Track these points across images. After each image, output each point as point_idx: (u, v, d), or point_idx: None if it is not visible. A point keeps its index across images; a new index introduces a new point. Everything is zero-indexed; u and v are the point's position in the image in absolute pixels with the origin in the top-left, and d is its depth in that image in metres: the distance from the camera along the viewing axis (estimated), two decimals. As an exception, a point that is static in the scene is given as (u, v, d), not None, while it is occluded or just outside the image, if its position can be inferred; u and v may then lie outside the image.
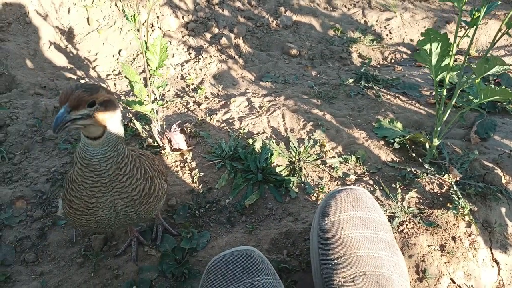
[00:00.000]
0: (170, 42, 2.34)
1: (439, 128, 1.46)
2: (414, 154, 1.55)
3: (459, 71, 1.34)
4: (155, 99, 1.56)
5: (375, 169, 1.53)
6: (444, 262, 1.25)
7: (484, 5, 1.14)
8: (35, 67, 2.15)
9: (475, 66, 1.21)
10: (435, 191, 1.43)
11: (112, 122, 0.85)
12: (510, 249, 1.32)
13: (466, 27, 1.24)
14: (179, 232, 1.32)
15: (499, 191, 1.43)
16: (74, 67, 2.21)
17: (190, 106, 1.90)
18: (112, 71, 2.23)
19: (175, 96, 2.02)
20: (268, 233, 1.31)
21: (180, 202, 1.42)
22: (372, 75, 2.03)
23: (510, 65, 1.37)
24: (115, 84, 2.11)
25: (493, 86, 1.30)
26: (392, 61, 2.35)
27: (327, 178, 1.51)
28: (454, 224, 1.32)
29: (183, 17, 2.47)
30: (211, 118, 1.78)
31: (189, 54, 2.32)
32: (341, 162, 1.56)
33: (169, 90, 2.05)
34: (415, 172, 1.48)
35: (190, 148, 1.61)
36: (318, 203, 1.42)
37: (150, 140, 1.63)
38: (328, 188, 1.47)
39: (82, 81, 2.10)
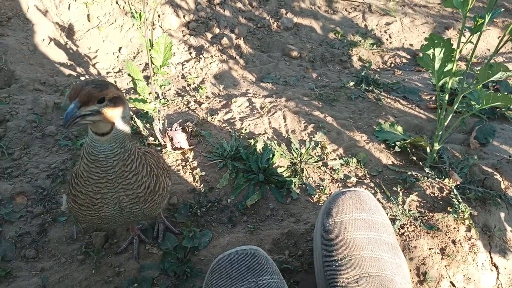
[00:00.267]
0: (171, 41, 2.33)
1: (440, 133, 1.47)
2: (414, 158, 1.56)
3: (461, 77, 1.36)
4: (157, 97, 1.56)
5: (376, 172, 1.53)
6: (444, 265, 1.26)
7: (489, 12, 1.15)
8: (34, 63, 2.13)
9: (478, 72, 1.22)
10: (436, 194, 1.44)
11: (121, 118, 0.85)
12: (509, 253, 1.33)
13: (465, 33, 1.25)
14: (180, 231, 1.31)
15: (499, 196, 1.44)
16: (74, 64, 2.20)
17: (191, 105, 1.89)
18: (112, 69, 2.22)
19: (176, 95, 2.02)
20: (270, 234, 1.32)
21: (182, 201, 1.42)
22: (372, 79, 2.04)
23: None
24: (115, 81, 2.10)
25: (492, 92, 1.31)
26: (392, 65, 2.36)
27: (329, 179, 1.51)
28: (454, 228, 1.33)
29: (184, 16, 2.47)
30: (212, 118, 1.77)
31: (190, 53, 2.32)
32: (342, 164, 1.57)
33: (169, 89, 2.05)
34: (415, 175, 1.49)
35: (191, 147, 1.61)
36: (320, 204, 1.42)
37: (151, 138, 1.63)
38: (330, 190, 1.47)
39: (82, 78, 2.09)
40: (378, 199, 1.42)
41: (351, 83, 2.02)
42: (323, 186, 1.48)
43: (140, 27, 1.25)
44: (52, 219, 1.34)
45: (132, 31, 2.34)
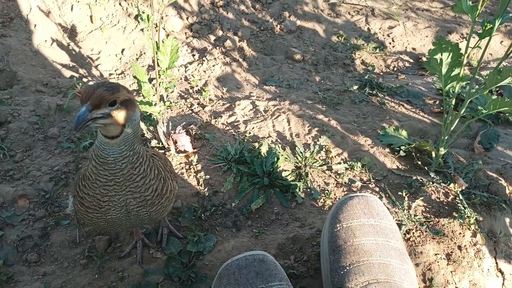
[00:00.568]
0: (177, 44, 2.32)
1: (445, 137, 1.46)
2: (419, 163, 1.56)
3: (468, 81, 1.35)
4: (162, 100, 1.55)
5: (381, 176, 1.53)
6: (450, 271, 1.25)
7: (498, 17, 1.15)
8: (36, 64, 2.12)
9: (486, 77, 1.22)
10: (441, 199, 1.43)
11: (131, 122, 0.84)
12: (515, 259, 1.33)
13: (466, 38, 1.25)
14: (184, 235, 1.30)
15: (504, 201, 1.44)
16: (76, 65, 2.19)
17: (194, 108, 1.88)
18: (115, 70, 2.21)
19: (179, 97, 2.00)
20: (275, 238, 1.31)
21: (186, 205, 1.41)
22: (376, 82, 2.04)
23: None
24: (118, 83, 2.09)
25: (499, 97, 1.31)
26: (395, 69, 2.36)
27: (333, 184, 1.51)
28: (460, 233, 1.32)
29: (187, 18, 2.46)
30: (216, 121, 1.76)
31: (193, 55, 2.31)
32: (347, 169, 1.56)
33: (172, 91, 2.04)
34: (421, 180, 1.48)
35: (195, 150, 1.60)
36: (325, 209, 1.41)
37: (155, 141, 1.62)
38: (335, 194, 1.46)
39: (84, 80, 2.07)
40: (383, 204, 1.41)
41: (355, 87, 2.02)
42: (328, 190, 1.47)
43: (148, 29, 1.24)
44: (55, 222, 1.32)
45: (135, 33, 2.33)
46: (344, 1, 2.73)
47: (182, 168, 1.54)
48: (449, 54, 1.29)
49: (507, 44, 2.52)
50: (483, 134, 1.71)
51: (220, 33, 2.43)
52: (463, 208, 1.37)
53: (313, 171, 1.54)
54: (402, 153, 1.60)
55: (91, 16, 2.33)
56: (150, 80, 1.89)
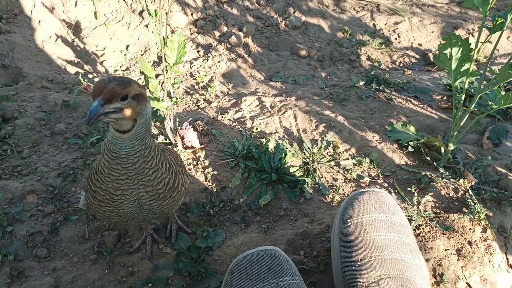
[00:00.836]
0: (185, 39, 2.31)
1: (455, 133, 1.45)
2: (428, 158, 1.55)
3: (478, 77, 1.34)
4: (169, 95, 1.54)
5: (389, 172, 1.52)
6: (461, 266, 1.24)
7: (511, 11, 1.14)
8: (41, 60, 2.11)
9: (497, 72, 1.21)
10: (451, 195, 1.42)
11: (143, 116, 0.84)
12: (525, 255, 1.32)
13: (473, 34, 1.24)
14: (193, 231, 1.30)
15: (513, 197, 1.43)
16: (81, 61, 2.18)
17: (200, 104, 1.88)
18: (120, 67, 2.20)
19: (185, 93, 2.00)
20: (284, 234, 1.30)
21: (194, 200, 1.40)
22: (383, 78, 2.03)
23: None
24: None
25: (510, 92, 1.30)
26: (401, 65, 2.35)
27: (342, 179, 1.50)
28: (470, 229, 1.32)
29: (192, 14, 2.45)
30: (222, 117, 1.76)
31: (198, 51, 2.30)
32: (355, 164, 1.55)
33: (178, 87, 2.03)
34: (430, 176, 1.48)
35: (202, 146, 1.59)
36: (334, 204, 1.41)
37: (162, 137, 1.61)
38: (343, 190, 1.46)
39: (90, 76, 2.07)
40: (392, 200, 1.41)
41: (361, 83, 2.01)
42: (336, 186, 1.47)
43: (155, 24, 1.23)
44: (64, 218, 1.32)
45: (139, 29, 2.32)
46: (349, -3, 2.72)
47: (190, 164, 1.53)
48: (459, 49, 1.28)
49: (513, 40, 2.51)
50: (491, 130, 1.70)
51: (225, 29, 2.42)
52: (473, 203, 1.36)
53: (321, 166, 1.53)
54: (410, 149, 1.59)
55: (95, 12, 2.32)
56: (156, 76, 1.88)
